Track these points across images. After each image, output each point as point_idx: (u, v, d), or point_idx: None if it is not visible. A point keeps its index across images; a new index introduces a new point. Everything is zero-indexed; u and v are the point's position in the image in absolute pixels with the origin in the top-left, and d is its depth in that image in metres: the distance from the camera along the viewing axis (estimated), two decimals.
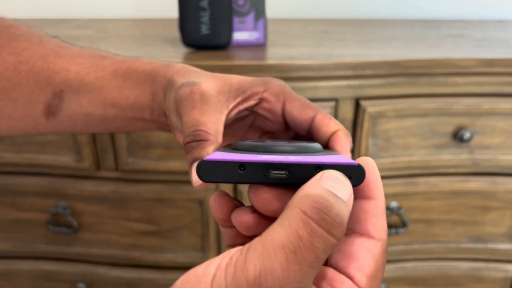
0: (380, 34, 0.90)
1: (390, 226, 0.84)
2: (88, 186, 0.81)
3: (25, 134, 0.40)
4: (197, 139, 0.28)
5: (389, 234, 0.83)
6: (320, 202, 0.18)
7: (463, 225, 0.85)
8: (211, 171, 0.23)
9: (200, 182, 0.25)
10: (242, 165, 0.23)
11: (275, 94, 0.32)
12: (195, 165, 0.26)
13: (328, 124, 0.30)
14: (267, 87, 0.32)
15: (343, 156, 0.25)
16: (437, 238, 0.86)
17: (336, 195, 0.19)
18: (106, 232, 0.84)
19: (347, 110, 0.74)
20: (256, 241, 0.18)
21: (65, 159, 0.79)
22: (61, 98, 0.35)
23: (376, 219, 0.23)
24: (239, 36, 0.79)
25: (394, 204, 0.81)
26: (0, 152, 0.79)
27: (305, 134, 0.32)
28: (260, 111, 0.33)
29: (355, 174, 0.22)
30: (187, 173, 0.83)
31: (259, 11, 0.78)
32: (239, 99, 0.32)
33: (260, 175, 0.23)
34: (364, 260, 0.21)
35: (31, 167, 0.81)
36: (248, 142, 0.26)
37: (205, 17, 0.74)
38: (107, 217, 0.83)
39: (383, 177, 0.80)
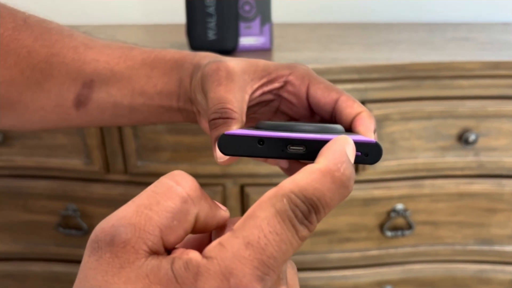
0: (385, 37, 0.91)
1: (396, 228, 0.84)
2: (98, 189, 0.82)
3: (55, 127, 0.40)
4: (224, 117, 0.28)
5: (395, 236, 0.84)
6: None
7: (470, 227, 0.85)
8: (232, 145, 0.24)
9: (224, 158, 0.26)
10: (261, 139, 0.24)
11: (300, 77, 0.32)
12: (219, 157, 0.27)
13: (351, 106, 0.30)
14: (292, 70, 0.32)
15: (362, 136, 0.25)
16: (443, 240, 0.86)
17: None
18: None
19: None
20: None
21: (75, 163, 0.80)
22: (91, 88, 0.36)
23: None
24: (245, 41, 0.80)
25: (400, 206, 0.82)
26: (11, 156, 0.81)
27: (329, 118, 0.32)
28: (285, 94, 0.33)
29: (372, 152, 0.23)
30: (195, 175, 0.84)
31: (265, 16, 0.79)
32: (264, 80, 0.32)
33: (278, 150, 0.24)
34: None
35: (42, 171, 0.82)
36: (270, 122, 0.27)
37: (212, 23, 0.75)
38: None
39: (388, 180, 0.81)
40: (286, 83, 0.32)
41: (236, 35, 0.77)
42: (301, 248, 0.85)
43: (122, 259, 0.17)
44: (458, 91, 0.76)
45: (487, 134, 0.78)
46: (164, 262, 0.17)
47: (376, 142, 0.23)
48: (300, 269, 0.87)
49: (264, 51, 0.80)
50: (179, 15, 0.97)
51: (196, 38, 0.76)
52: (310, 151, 0.23)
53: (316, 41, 0.88)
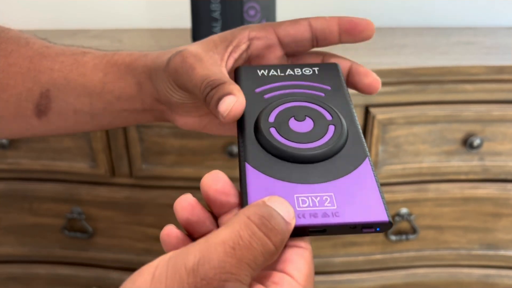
0: (390, 42, 0.91)
1: (400, 232, 0.84)
2: (103, 192, 0.82)
3: (20, 136, 0.40)
4: (214, 86, 0.28)
5: (400, 241, 0.84)
6: (263, 211, 0.20)
7: (475, 232, 0.85)
8: None
9: (229, 115, 0.27)
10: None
11: (261, 28, 0.33)
12: (225, 98, 0.27)
13: (328, 20, 0.33)
14: (249, 28, 0.33)
15: (370, 191, 0.25)
16: (448, 245, 0.86)
17: (278, 213, 0.21)
18: (120, 237, 0.86)
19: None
20: (200, 238, 0.20)
21: (81, 166, 0.81)
22: (49, 98, 0.36)
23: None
24: None
25: (404, 210, 0.82)
26: (18, 159, 0.81)
27: (310, 46, 0.34)
28: (254, 51, 0.33)
29: (383, 227, 0.24)
30: (200, 179, 0.84)
31: (270, 20, 0.79)
32: (229, 49, 0.33)
33: (300, 233, 0.24)
34: (299, 262, 0.23)
35: (48, 174, 0.83)
36: (273, 142, 0.26)
37: (217, 27, 0.75)
38: (121, 222, 0.85)
39: (393, 184, 0.81)
40: (251, 40, 0.33)
41: None
42: None
43: None
44: (463, 95, 0.76)
45: (492, 139, 0.78)
46: None
47: (389, 221, 0.24)
48: None
49: None
50: (184, 20, 0.98)
51: None
52: (330, 232, 0.24)
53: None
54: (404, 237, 0.83)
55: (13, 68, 0.36)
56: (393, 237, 0.83)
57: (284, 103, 0.29)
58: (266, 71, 0.32)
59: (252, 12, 0.78)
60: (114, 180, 0.82)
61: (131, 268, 0.88)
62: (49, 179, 0.84)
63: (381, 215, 0.24)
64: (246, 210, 0.20)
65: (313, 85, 0.31)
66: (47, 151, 0.80)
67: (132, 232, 0.85)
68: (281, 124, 0.28)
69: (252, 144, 0.27)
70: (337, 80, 0.32)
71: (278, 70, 0.32)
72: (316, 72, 0.32)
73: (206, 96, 0.28)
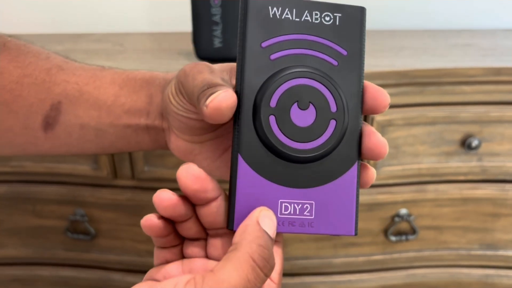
0: (389, 44, 0.92)
1: (400, 233, 0.85)
2: (105, 194, 0.83)
3: (25, 152, 0.39)
4: (213, 85, 0.27)
5: (399, 241, 0.84)
6: (264, 252, 0.23)
7: (474, 232, 0.85)
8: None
9: (213, 103, 0.26)
10: None
11: None
12: (212, 97, 0.26)
13: None
14: None
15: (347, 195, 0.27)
16: (447, 245, 0.86)
17: (271, 238, 0.24)
18: (123, 239, 0.86)
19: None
20: (210, 278, 0.22)
21: (84, 168, 0.81)
22: (59, 110, 0.36)
23: None
24: None
25: (403, 211, 0.82)
26: (22, 161, 0.82)
27: None
28: None
29: (348, 235, 0.27)
30: None
31: None
32: None
33: None
34: (276, 262, 0.27)
35: (51, 176, 0.84)
36: (270, 138, 0.26)
37: (218, 31, 0.76)
38: (123, 224, 0.85)
39: (392, 185, 0.81)
40: None
41: None
42: (306, 252, 0.85)
43: None
44: (461, 97, 0.76)
45: (490, 140, 0.79)
46: None
47: (355, 234, 0.26)
48: (304, 274, 0.87)
49: None
50: (185, 24, 0.99)
51: (202, 46, 0.78)
52: None
53: None
54: (404, 237, 0.84)
55: (28, 79, 0.36)
56: (393, 238, 0.84)
57: (290, 79, 0.26)
58: (280, 10, 0.27)
59: None
60: (116, 182, 0.83)
61: (133, 270, 0.89)
62: (52, 181, 0.84)
63: (349, 230, 0.26)
64: (249, 249, 0.23)
65: (329, 46, 0.27)
66: None
67: (134, 233, 0.86)
68: (282, 113, 0.26)
69: (248, 130, 0.26)
70: (357, 39, 0.28)
71: (294, 12, 0.27)
72: (337, 23, 0.28)
73: (201, 93, 0.27)
